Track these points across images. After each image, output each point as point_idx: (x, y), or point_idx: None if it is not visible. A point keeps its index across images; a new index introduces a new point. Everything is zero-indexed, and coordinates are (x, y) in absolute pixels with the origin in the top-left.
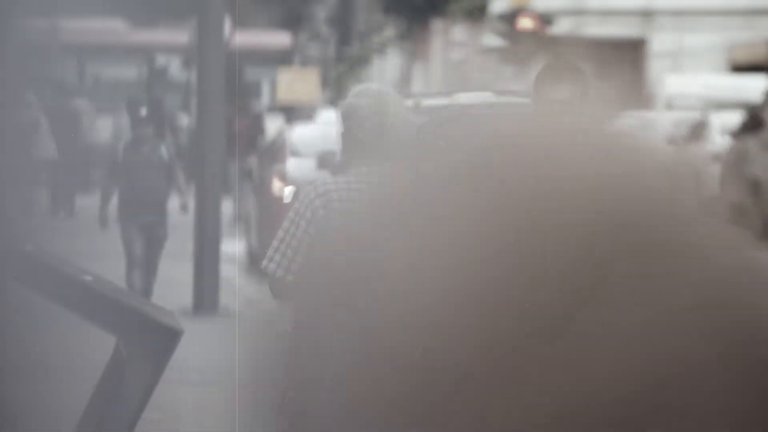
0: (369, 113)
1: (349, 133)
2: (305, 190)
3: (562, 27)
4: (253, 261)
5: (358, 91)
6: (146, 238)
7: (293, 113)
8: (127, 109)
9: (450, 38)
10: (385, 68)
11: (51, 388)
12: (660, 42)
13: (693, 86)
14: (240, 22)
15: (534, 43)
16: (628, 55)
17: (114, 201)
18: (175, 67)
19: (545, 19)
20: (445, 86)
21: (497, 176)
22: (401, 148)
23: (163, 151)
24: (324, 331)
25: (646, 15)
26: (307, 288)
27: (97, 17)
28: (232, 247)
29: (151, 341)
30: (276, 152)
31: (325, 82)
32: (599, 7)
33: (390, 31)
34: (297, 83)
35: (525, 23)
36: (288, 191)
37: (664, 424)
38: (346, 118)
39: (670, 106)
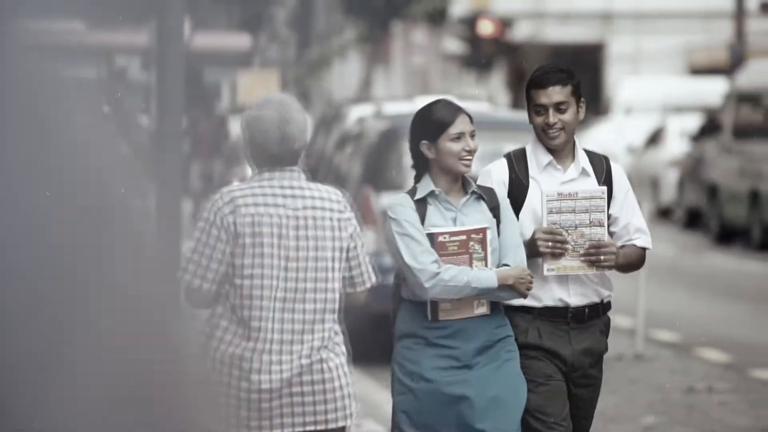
0: (273, 123)
1: (253, 142)
2: (212, 198)
3: (521, 31)
4: None
5: (262, 102)
6: None
7: None
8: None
9: (410, 41)
10: (346, 71)
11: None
12: (619, 45)
13: (651, 89)
14: (200, 24)
15: (494, 46)
16: (587, 58)
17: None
18: (134, 69)
19: (505, 22)
20: (407, 90)
21: None
22: (301, 155)
23: (125, 151)
24: None
25: (605, 18)
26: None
27: (55, 18)
28: None
29: None
30: (237, 155)
31: (284, 84)
32: (558, 11)
33: (350, 33)
34: (257, 85)
35: (485, 27)
36: None
37: None
38: (251, 128)
39: (628, 109)
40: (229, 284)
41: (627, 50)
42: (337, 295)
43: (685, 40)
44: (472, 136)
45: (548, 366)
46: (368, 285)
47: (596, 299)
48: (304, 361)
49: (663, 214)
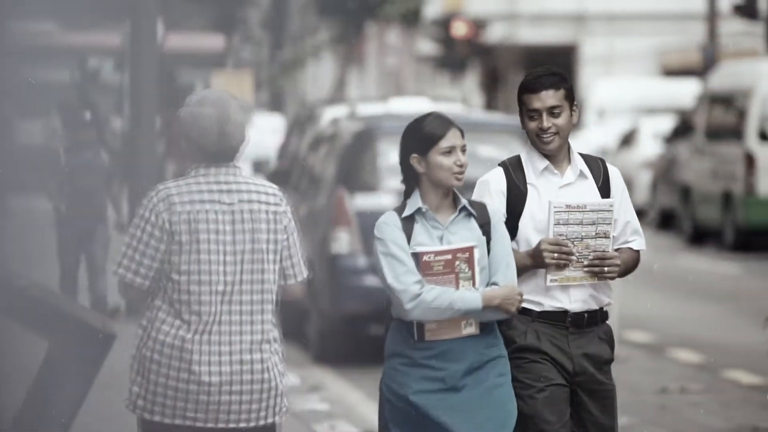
0: (212, 120)
1: (191, 139)
2: (148, 195)
3: (495, 32)
4: None
5: (200, 99)
6: (86, 244)
7: None
8: (59, 112)
9: (384, 42)
10: (319, 72)
11: None
12: (591, 47)
13: (624, 91)
14: (173, 25)
15: (468, 48)
16: (560, 60)
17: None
18: (107, 70)
19: (479, 24)
20: (381, 91)
21: None
22: (239, 152)
23: (104, 156)
24: None
25: (578, 20)
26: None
27: (28, 19)
28: None
29: (85, 345)
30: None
31: (258, 85)
32: (532, 12)
33: (324, 34)
34: (230, 86)
35: (459, 28)
36: None
37: None
38: (189, 125)
39: (601, 111)
40: (166, 279)
41: (600, 52)
42: (275, 287)
43: (658, 42)
44: (463, 150)
45: (548, 368)
46: (299, 278)
47: (595, 306)
48: (245, 357)
49: (636, 215)
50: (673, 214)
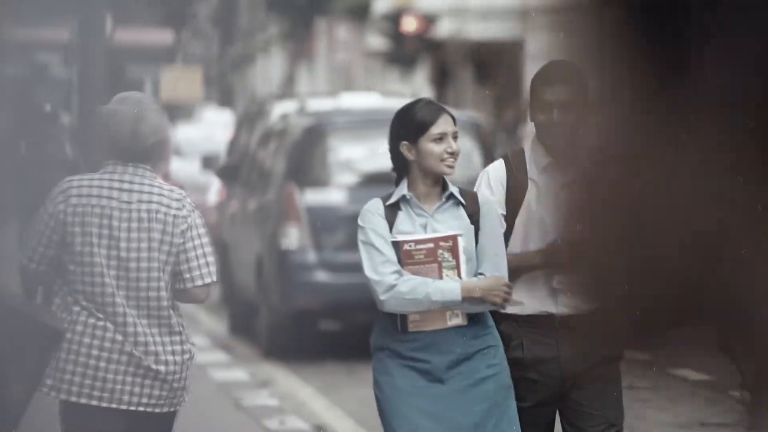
0: (127, 118)
1: (107, 135)
2: (56, 186)
3: (444, 27)
4: None
5: (121, 98)
6: None
7: (173, 112)
8: (16, 107)
9: (334, 38)
10: (269, 67)
11: None
12: (536, 42)
13: None
14: (122, 20)
15: (418, 43)
16: (507, 55)
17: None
18: (55, 65)
19: (429, 19)
20: (330, 87)
21: None
22: (154, 153)
23: (68, 150)
24: None
25: (524, 14)
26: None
27: None
28: None
29: (33, 341)
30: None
31: (208, 81)
32: (479, 8)
33: (273, 29)
34: (180, 82)
35: (409, 24)
36: None
37: None
38: (107, 121)
39: None
40: (67, 269)
41: (545, 47)
42: (163, 285)
43: None
44: (455, 137)
45: (528, 386)
46: (197, 283)
47: (587, 309)
48: (150, 348)
49: None
50: None
